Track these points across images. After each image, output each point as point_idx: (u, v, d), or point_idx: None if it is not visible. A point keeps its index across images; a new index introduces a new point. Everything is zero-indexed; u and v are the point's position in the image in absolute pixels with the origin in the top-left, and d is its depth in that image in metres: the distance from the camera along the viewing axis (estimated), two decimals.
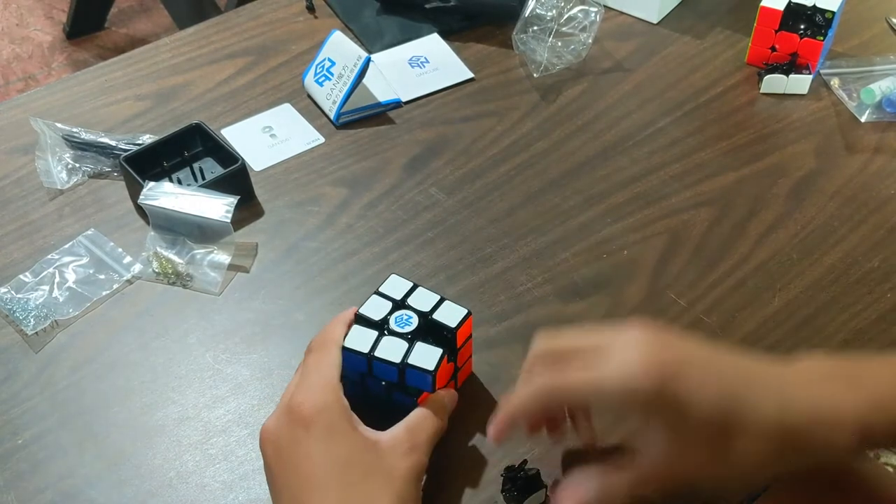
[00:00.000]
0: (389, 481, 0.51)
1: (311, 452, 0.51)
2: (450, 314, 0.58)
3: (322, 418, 0.51)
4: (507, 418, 0.51)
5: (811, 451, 0.47)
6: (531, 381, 0.50)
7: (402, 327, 0.57)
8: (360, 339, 0.56)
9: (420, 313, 0.58)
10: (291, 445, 0.52)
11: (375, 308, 0.58)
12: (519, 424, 0.52)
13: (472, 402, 0.62)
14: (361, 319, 0.58)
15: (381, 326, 0.57)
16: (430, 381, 0.55)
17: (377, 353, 0.56)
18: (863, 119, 0.83)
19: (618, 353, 0.47)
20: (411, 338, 0.57)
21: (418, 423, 0.55)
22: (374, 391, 0.58)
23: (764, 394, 0.47)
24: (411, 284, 0.60)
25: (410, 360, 0.55)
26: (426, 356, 0.56)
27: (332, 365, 0.55)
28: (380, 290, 0.59)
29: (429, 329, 0.58)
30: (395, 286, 0.60)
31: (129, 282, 0.71)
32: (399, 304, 0.58)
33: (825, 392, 0.47)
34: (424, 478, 0.54)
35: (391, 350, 0.56)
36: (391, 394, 0.57)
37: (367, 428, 0.53)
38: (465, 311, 0.58)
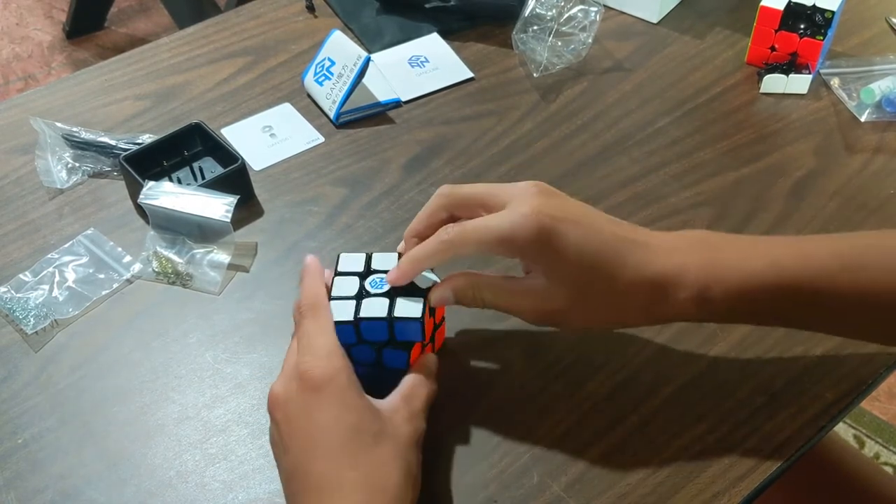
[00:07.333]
0: (397, 447, 0.52)
1: (321, 418, 0.51)
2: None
3: (332, 384, 0.52)
4: (412, 263, 0.57)
5: (663, 304, 0.56)
6: (437, 234, 0.57)
7: (381, 288, 0.58)
8: (342, 311, 0.57)
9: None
10: (302, 411, 0.52)
11: (345, 287, 0.59)
12: (422, 268, 0.57)
13: (471, 402, 0.62)
14: (337, 300, 0.58)
15: (359, 297, 0.58)
16: (419, 328, 0.56)
17: (363, 314, 0.56)
18: (862, 119, 0.83)
19: (513, 204, 0.55)
20: (391, 295, 0.57)
21: (412, 390, 0.56)
22: (362, 359, 0.58)
23: (632, 253, 0.55)
24: (364, 254, 0.60)
25: (396, 314, 0.56)
26: (410, 307, 0.57)
27: (331, 330, 0.55)
28: (338, 270, 0.60)
29: (402, 287, 0.58)
30: (351, 261, 0.60)
31: (129, 281, 0.71)
32: (366, 273, 0.59)
33: (679, 258, 0.55)
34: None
35: (375, 308, 0.57)
36: (381, 352, 0.58)
37: (369, 396, 0.54)
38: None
